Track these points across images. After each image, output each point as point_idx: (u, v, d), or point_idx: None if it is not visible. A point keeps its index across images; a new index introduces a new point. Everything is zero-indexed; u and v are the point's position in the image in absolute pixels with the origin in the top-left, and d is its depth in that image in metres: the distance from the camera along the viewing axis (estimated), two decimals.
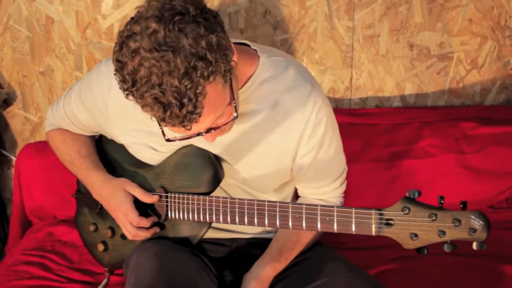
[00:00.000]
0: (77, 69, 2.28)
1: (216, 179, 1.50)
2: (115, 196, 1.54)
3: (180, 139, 1.35)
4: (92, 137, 1.73)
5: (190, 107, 1.18)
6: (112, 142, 1.65)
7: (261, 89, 1.45)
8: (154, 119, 1.32)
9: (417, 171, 2.13)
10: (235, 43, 1.34)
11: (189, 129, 1.23)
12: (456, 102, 2.38)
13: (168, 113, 1.18)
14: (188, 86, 1.16)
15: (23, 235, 2.15)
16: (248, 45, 1.50)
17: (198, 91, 1.17)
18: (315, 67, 2.31)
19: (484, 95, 2.38)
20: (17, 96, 2.33)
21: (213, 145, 1.49)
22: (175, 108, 1.17)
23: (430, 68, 2.32)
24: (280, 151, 1.50)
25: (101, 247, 1.71)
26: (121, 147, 1.62)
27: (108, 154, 1.70)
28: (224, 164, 1.53)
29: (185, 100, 1.17)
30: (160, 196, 1.54)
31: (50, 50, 2.26)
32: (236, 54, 1.28)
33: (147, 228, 1.54)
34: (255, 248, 1.64)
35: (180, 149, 1.53)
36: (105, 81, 1.52)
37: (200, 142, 1.50)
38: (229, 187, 1.56)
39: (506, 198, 2.15)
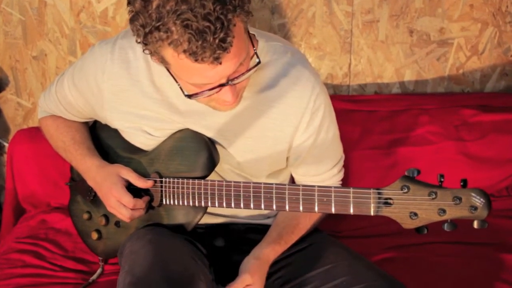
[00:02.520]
0: (71, 53, 2.24)
1: (212, 163, 1.48)
2: (107, 181, 1.52)
3: (200, 92, 1.28)
4: (85, 123, 1.71)
5: (222, 34, 1.15)
6: (105, 128, 1.63)
7: (258, 73, 1.43)
8: (152, 98, 1.34)
9: (416, 158, 2.11)
10: None
11: (220, 63, 1.18)
12: (456, 89, 2.36)
13: (200, 42, 1.14)
14: (220, 11, 1.14)
15: (16, 222, 2.12)
16: None
17: (229, 17, 1.16)
18: (313, 53, 2.28)
19: (484, 82, 2.35)
20: (9, 81, 2.30)
21: (207, 128, 1.48)
22: (208, 34, 1.14)
23: (430, 54, 2.30)
24: (275, 136, 1.48)
25: (95, 235, 1.68)
26: (115, 133, 1.59)
27: (102, 140, 1.67)
28: (218, 149, 1.51)
29: (218, 25, 1.14)
30: (155, 181, 1.51)
31: (43, 34, 2.22)
32: None
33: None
34: (250, 233, 1.63)
35: (174, 133, 1.51)
36: (99, 64, 1.49)
37: (195, 125, 1.48)
38: (224, 172, 1.55)
39: (506, 186, 2.14)
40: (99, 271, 1.78)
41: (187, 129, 1.49)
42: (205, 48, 1.15)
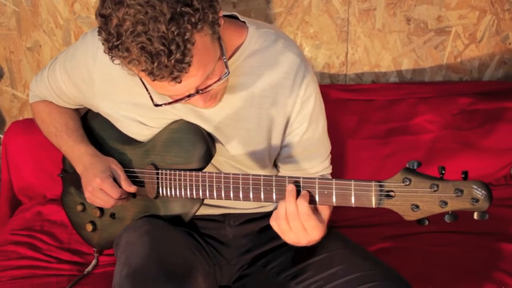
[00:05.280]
0: (66, 44, 2.23)
1: (209, 154, 1.47)
2: (96, 168, 1.52)
3: (169, 103, 1.30)
4: (78, 112, 1.70)
5: (178, 55, 1.14)
6: (98, 119, 1.62)
7: (249, 61, 1.42)
8: (140, 88, 1.32)
9: (413, 147, 2.10)
10: (223, 15, 1.32)
11: (179, 82, 1.19)
12: (454, 78, 2.35)
13: (156, 63, 1.14)
14: (176, 32, 1.13)
15: (12, 214, 2.11)
16: (237, 17, 1.46)
17: (186, 37, 1.14)
18: (310, 42, 2.26)
19: (482, 70, 2.34)
20: (4, 72, 2.29)
21: (201, 119, 1.46)
22: (163, 56, 1.13)
23: (428, 42, 2.28)
24: (269, 127, 1.47)
25: (89, 227, 1.68)
26: (108, 124, 1.58)
27: (95, 131, 1.66)
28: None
29: (173, 47, 1.13)
30: (137, 184, 1.53)
31: (38, 25, 2.21)
32: (222, 13, 1.26)
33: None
34: (248, 223, 1.62)
35: (170, 124, 1.50)
36: (90, 51, 1.48)
37: (188, 116, 1.47)
38: (219, 163, 1.53)
39: (505, 175, 2.13)
40: (94, 262, 1.77)
41: (183, 120, 1.48)
42: (161, 70, 1.15)
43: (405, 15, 2.24)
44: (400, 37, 2.27)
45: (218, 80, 1.27)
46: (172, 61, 1.14)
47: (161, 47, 1.13)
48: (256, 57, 1.42)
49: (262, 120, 1.46)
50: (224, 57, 1.28)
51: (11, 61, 2.27)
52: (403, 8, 2.23)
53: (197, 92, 1.26)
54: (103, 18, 1.17)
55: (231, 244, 1.60)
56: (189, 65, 1.16)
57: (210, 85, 1.27)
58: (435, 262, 1.75)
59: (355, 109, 2.16)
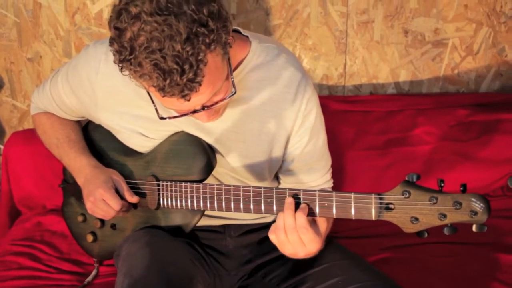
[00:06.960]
0: (66, 55, 2.24)
1: (209, 166, 1.48)
2: (98, 179, 1.52)
3: (174, 117, 1.32)
4: (79, 124, 1.70)
5: (191, 75, 1.15)
6: (99, 130, 1.62)
7: (252, 75, 1.43)
8: (146, 100, 1.34)
9: (411, 158, 2.11)
10: None
11: (188, 100, 1.20)
12: (451, 89, 2.36)
13: (168, 81, 1.15)
14: (190, 52, 1.14)
15: (11, 225, 2.11)
16: (239, 31, 1.47)
17: (199, 57, 1.16)
18: (309, 54, 2.28)
19: (479, 82, 2.36)
20: (4, 83, 2.29)
21: (201, 131, 1.47)
22: (175, 75, 1.15)
23: (425, 54, 2.30)
24: (270, 141, 1.48)
25: (90, 238, 1.68)
26: (109, 135, 1.59)
27: (95, 143, 1.66)
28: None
29: (186, 67, 1.15)
30: (138, 195, 1.53)
31: (38, 36, 2.22)
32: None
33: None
34: (248, 233, 1.63)
35: (171, 136, 1.50)
36: (92, 64, 1.49)
37: (189, 128, 1.48)
38: (220, 175, 1.54)
39: (502, 186, 2.14)
40: (94, 272, 1.77)
41: (183, 132, 1.49)
42: (172, 87, 1.17)
43: (403, 27, 2.25)
44: (398, 49, 2.29)
45: (224, 98, 1.29)
46: (184, 80, 1.15)
47: (175, 66, 1.14)
48: (258, 71, 1.44)
49: (263, 134, 1.47)
50: (232, 77, 1.30)
51: (11, 71, 2.28)
52: (400, 20, 2.24)
53: (203, 108, 1.27)
54: (117, 30, 1.18)
55: (232, 255, 1.61)
56: (200, 85, 1.18)
57: (216, 102, 1.28)
58: (434, 272, 1.76)
59: (354, 120, 2.17)
